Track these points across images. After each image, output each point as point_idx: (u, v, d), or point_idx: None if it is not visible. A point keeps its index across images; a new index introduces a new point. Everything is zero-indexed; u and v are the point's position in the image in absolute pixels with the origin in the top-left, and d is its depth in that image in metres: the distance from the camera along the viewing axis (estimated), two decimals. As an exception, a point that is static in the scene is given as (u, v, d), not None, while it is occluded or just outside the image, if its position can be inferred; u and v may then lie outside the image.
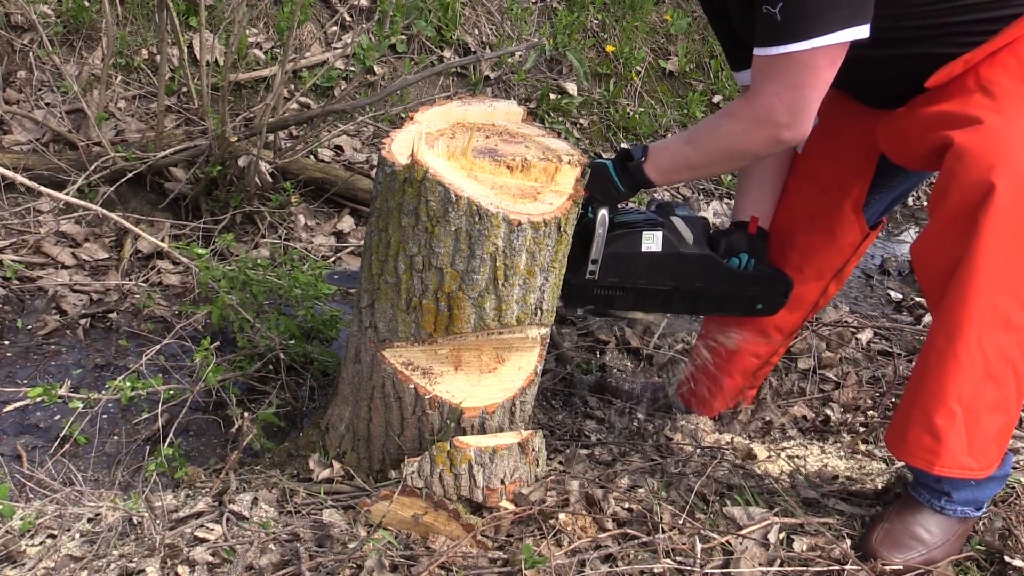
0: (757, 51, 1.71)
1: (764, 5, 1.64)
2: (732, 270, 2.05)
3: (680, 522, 1.83)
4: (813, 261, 2.17)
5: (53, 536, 1.77)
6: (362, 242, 2.62)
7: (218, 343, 2.45)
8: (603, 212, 1.87)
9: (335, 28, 4.18)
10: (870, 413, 2.58)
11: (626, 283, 1.97)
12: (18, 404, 2.39)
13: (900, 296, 3.68)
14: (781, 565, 1.72)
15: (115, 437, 2.35)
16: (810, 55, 1.66)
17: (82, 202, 2.67)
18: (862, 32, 1.64)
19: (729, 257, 2.07)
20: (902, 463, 2.15)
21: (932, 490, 1.85)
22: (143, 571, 1.64)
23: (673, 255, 1.97)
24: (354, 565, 1.63)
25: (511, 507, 1.83)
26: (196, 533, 1.75)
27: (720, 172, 2.27)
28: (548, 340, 1.92)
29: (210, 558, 1.69)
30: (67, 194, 2.71)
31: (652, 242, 1.95)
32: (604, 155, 4.34)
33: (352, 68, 3.98)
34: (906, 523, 1.84)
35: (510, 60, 4.42)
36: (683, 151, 1.90)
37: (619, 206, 2.02)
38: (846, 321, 3.16)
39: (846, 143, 2.05)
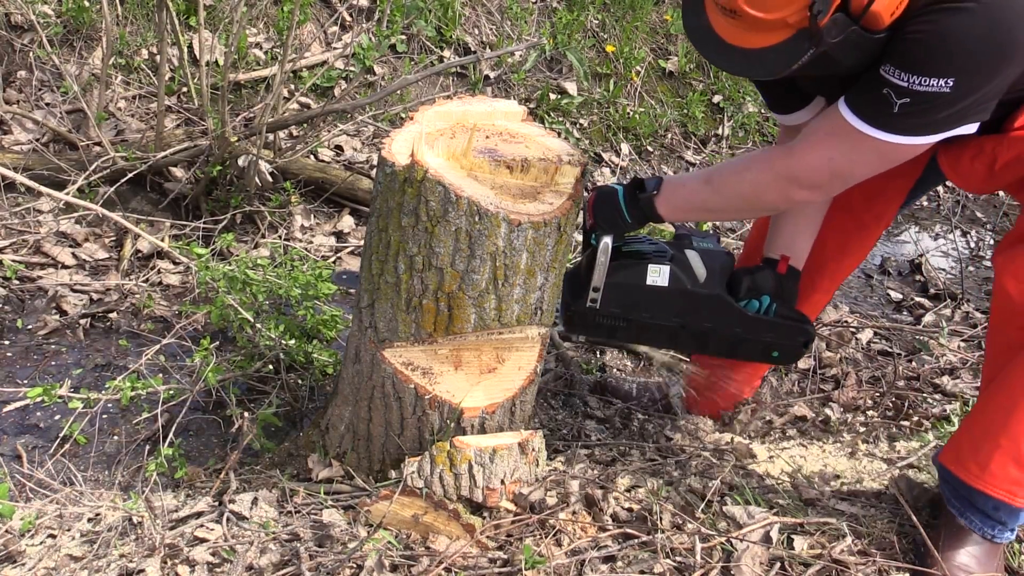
0: (846, 114, 1.59)
1: (886, 88, 1.52)
2: (745, 314, 1.93)
3: (680, 522, 1.83)
4: (838, 279, 2.17)
5: (53, 536, 1.77)
6: (362, 242, 2.62)
7: (218, 343, 2.45)
8: (606, 240, 1.82)
9: (335, 28, 4.18)
10: (870, 413, 2.58)
11: (629, 315, 1.90)
12: (18, 404, 2.39)
13: (900, 296, 3.68)
14: (782, 565, 1.72)
15: (115, 437, 2.35)
16: (897, 148, 1.58)
17: (82, 202, 2.67)
18: (972, 128, 1.56)
19: (749, 298, 1.95)
20: (935, 484, 2.10)
21: (987, 518, 1.78)
22: (143, 571, 1.64)
23: (679, 292, 1.88)
24: (354, 565, 1.63)
25: (511, 507, 1.83)
26: (196, 533, 1.75)
27: (736, 219, 2.18)
28: (548, 340, 1.92)
29: (210, 558, 1.69)
30: (67, 194, 2.72)
31: (658, 276, 1.87)
32: (605, 154, 4.34)
33: (352, 68, 3.98)
34: (957, 555, 1.77)
35: (510, 60, 4.42)
36: (701, 192, 1.81)
37: (632, 234, 1.94)
38: (846, 321, 3.16)
39: (882, 176, 1.94)
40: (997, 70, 1.48)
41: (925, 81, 1.48)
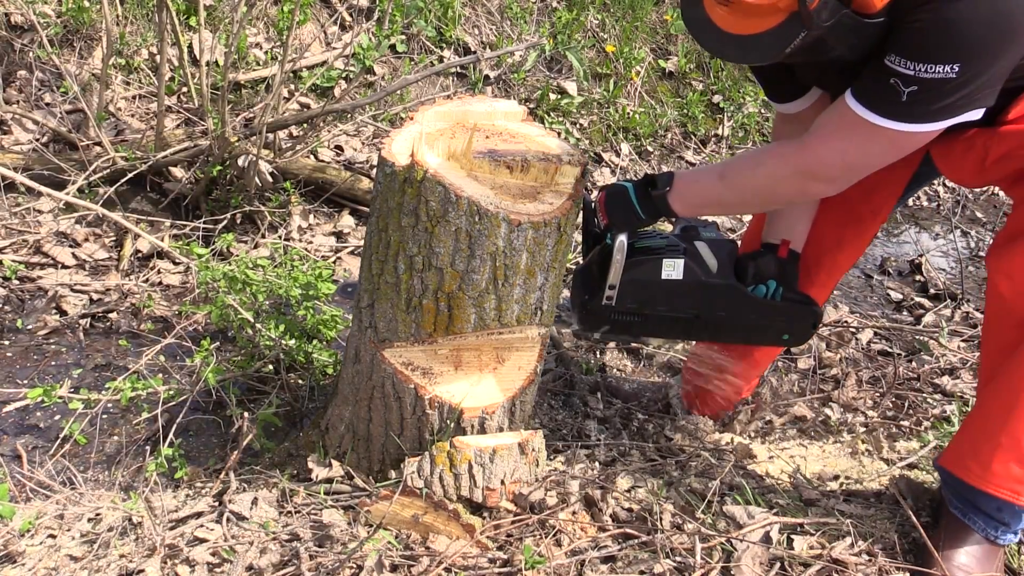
0: (854, 106, 1.61)
1: (893, 77, 1.53)
2: (758, 300, 1.97)
3: (680, 522, 1.83)
4: (836, 274, 2.17)
5: (53, 536, 1.77)
6: (362, 242, 2.62)
7: (218, 343, 2.45)
8: (621, 238, 1.83)
9: (335, 28, 4.18)
10: (870, 413, 2.57)
11: (645, 309, 1.92)
12: (18, 404, 2.39)
13: (900, 296, 3.68)
14: (782, 565, 1.72)
15: (115, 437, 2.35)
16: (909, 136, 1.60)
17: (82, 202, 2.68)
18: (978, 114, 1.57)
19: (756, 284, 1.99)
20: (937, 484, 2.10)
21: (990, 519, 1.78)
22: (143, 571, 1.64)
23: (694, 283, 1.90)
24: (354, 565, 1.63)
25: (511, 507, 1.83)
26: (196, 533, 1.75)
27: (750, 213, 2.19)
28: (548, 340, 1.92)
29: (210, 558, 1.69)
30: (67, 194, 2.72)
31: (673, 270, 1.89)
32: (605, 155, 4.34)
33: (352, 68, 3.98)
34: (956, 554, 1.78)
35: (510, 60, 4.42)
36: (715, 188, 1.83)
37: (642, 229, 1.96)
38: (846, 321, 3.16)
39: (880, 170, 1.94)
40: (1000, 53, 1.50)
41: (931, 68, 1.50)
